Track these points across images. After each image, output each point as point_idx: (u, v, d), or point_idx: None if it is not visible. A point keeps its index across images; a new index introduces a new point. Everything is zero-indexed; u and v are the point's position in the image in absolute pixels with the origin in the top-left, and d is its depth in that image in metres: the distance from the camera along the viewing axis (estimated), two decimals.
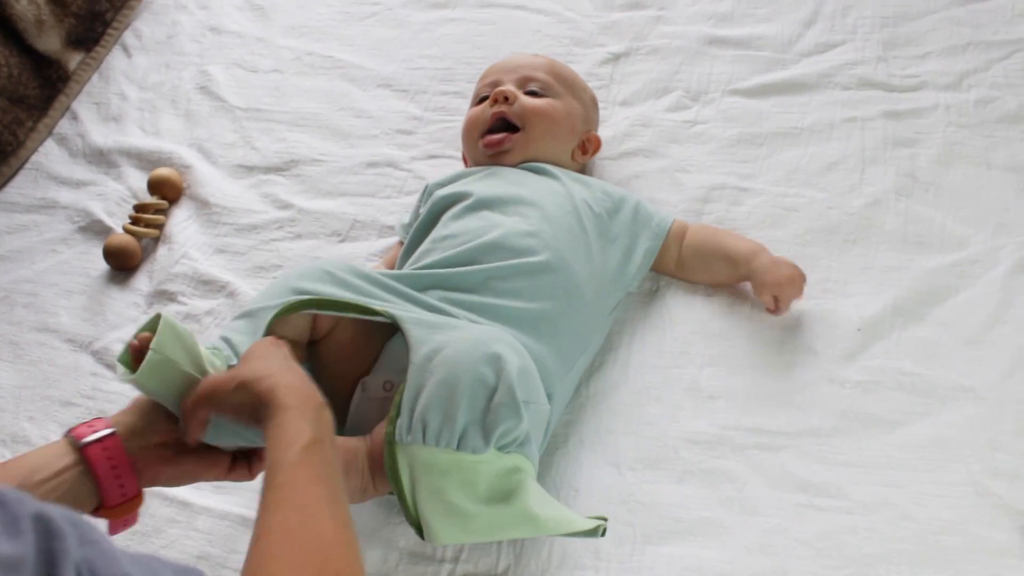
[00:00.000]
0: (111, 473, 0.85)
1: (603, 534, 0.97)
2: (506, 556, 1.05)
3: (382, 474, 0.96)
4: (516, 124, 1.29)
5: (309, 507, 0.71)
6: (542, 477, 1.11)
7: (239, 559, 1.10)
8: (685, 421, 1.13)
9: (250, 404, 0.82)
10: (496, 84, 1.33)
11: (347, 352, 1.09)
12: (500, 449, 0.95)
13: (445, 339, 0.96)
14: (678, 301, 1.25)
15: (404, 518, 1.08)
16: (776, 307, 1.16)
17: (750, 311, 1.22)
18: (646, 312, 1.25)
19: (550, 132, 1.30)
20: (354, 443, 0.99)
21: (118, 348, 1.35)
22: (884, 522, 1.02)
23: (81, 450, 0.84)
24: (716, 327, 1.21)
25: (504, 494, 0.94)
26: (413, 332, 0.97)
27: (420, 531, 0.93)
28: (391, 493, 0.97)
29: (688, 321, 1.23)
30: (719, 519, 1.05)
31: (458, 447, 0.92)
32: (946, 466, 1.05)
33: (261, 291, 1.14)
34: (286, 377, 0.83)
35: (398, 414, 0.93)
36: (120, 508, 0.88)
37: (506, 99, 1.29)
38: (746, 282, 1.22)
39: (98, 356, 1.37)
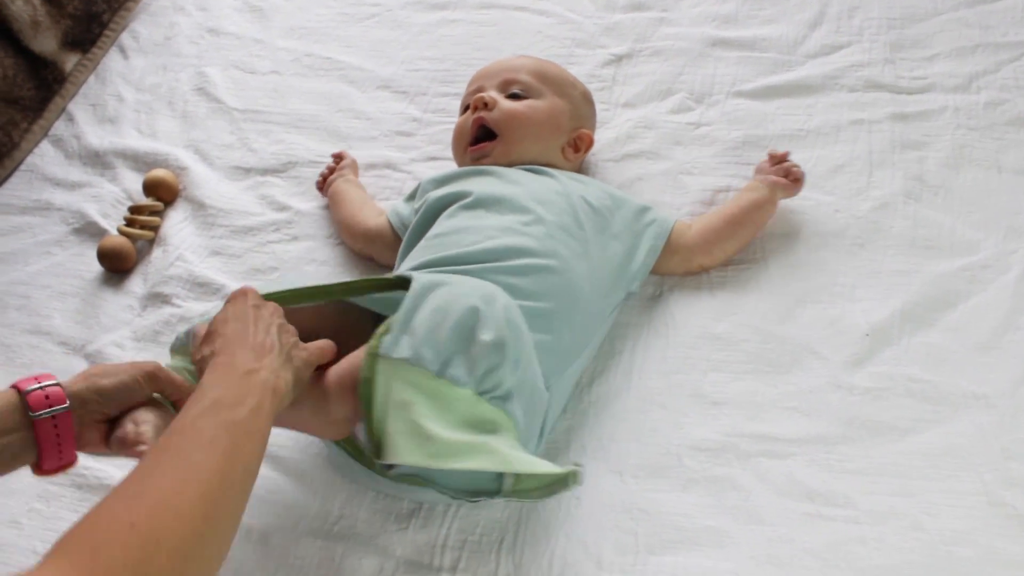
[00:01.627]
0: (55, 446, 0.87)
1: (573, 483, 0.90)
2: (505, 565, 1.02)
3: (337, 392, 0.96)
4: (494, 130, 1.29)
5: (160, 466, 0.72)
6: None
7: None
8: (689, 428, 1.11)
9: None
10: (479, 91, 1.33)
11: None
12: (481, 394, 0.94)
13: (446, 280, 0.99)
14: (681, 306, 1.23)
15: (399, 527, 1.07)
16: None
17: (753, 315, 1.19)
18: (649, 317, 1.23)
19: (530, 134, 1.29)
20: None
21: (111, 351, 1.34)
22: (893, 532, 0.99)
23: (33, 422, 0.85)
24: (720, 331, 1.18)
25: (475, 430, 0.92)
26: (415, 275, 0.99)
27: (377, 450, 0.90)
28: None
29: (692, 326, 1.20)
30: (724, 528, 1.02)
31: (440, 372, 0.91)
32: (958, 475, 1.02)
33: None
34: (220, 353, 0.88)
35: (387, 331, 0.93)
36: (53, 472, 0.90)
37: (485, 105, 1.29)
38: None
39: (91, 359, 1.35)
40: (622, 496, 1.06)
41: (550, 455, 1.10)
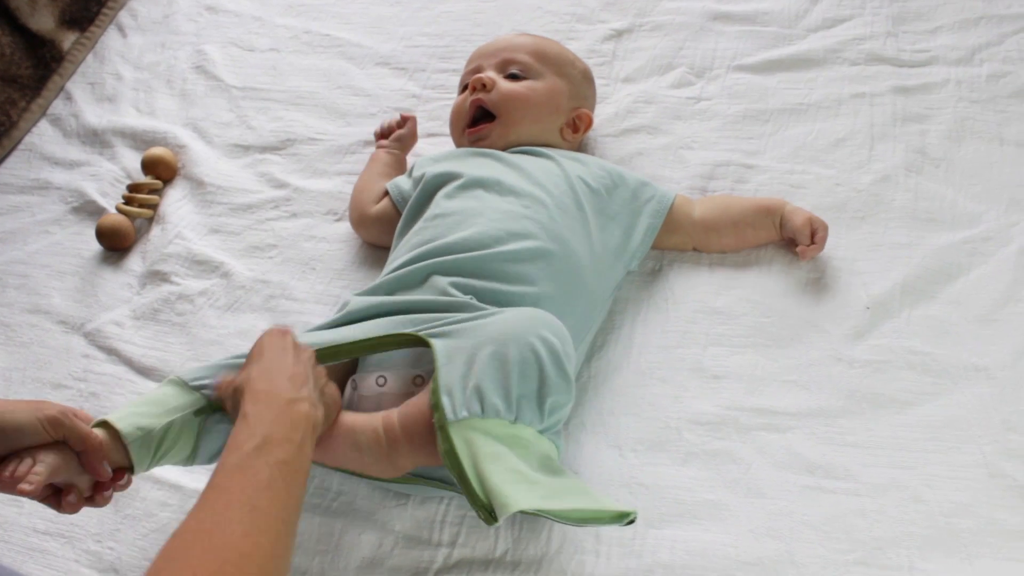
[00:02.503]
0: None
1: (632, 522, 0.91)
2: (504, 540, 1.02)
3: (406, 447, 0.94)
4: (493, 112, 1.28)
5: (229, 513, 0.71)
6: None
7: None
8: (689, 402, 1.10)
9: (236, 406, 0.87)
10: (477, 71, 1.32)
11: None
12: (543, 432, 0.95)
13: (474, 326, 0.97)
14: (681, 280, 1.22)
15: (398, 502, 1.07)
16: (813, 241, 1.16)
17: (754, 289, 1.19)
18: (649, 291, 1.22)
19: (529, 116, 1.28)
20: (370, 421, 0.97)
21: (110, 329, 1.34)
22: (894, 504, 0.99)
23: None
24: (720, 305, 1.18)
25: (551, 471, 0.93)
26: (434, 342, 0.97)
27: (487, 512, 0.86)
28: (413, 480, 1.00)
29: (691, 300, 1.20)
30: (724, 502, 1.02)
31: (515, 420, 0.91)
32: (958, 447, 1.02)
33: None
34: (259, 379, 0.87)
35: (438, 395, 0.91)
36: None
37: (484, 86, 1.28)
38: (764, 244, 1.23)
39: (90, 338, 1.35)
40: (621, 470, 1.06)
41: None
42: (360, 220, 1.33)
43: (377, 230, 1.31)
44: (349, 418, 0.97)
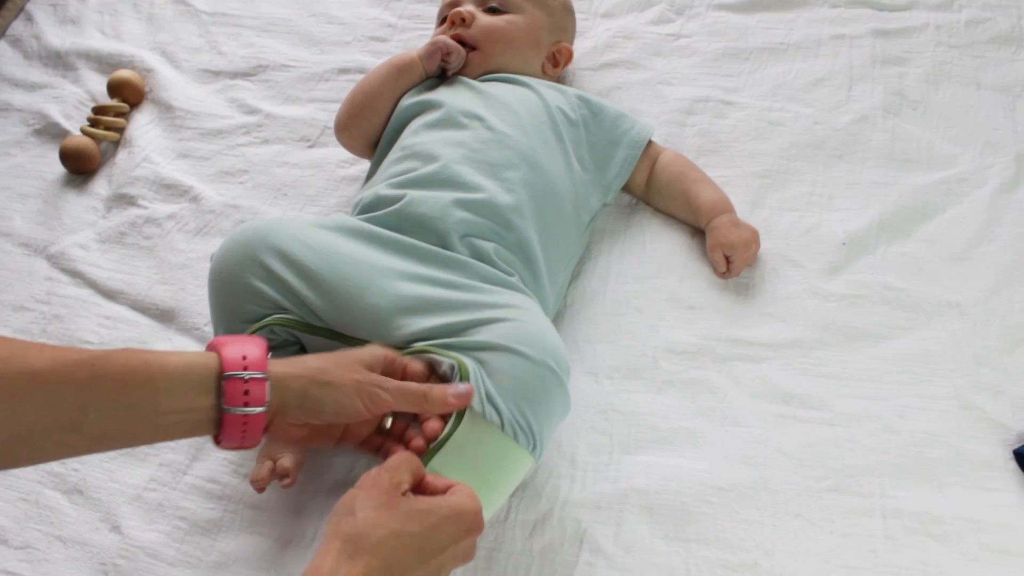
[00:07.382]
0: (239, 437, 0.78)
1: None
2: None
3: None
4: (473, 45, 1.24)
5: None
6: None
7: None
8: (665, 331, 1.10)
9: None
10: (455, 3, 1.28)
11: None
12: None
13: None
14: (660, 215, 1.22)
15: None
16: (727, 268, 1.13)
17: None
18: (626, 223, 1.22)
19: (509, 49, 1.25)
20: None
21: (75, 252, 1.31)
22: (866, 434, 1.00)
23: (223, 414, 0.76)
24: (698, 240, 1.18)
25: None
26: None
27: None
28: None
29: (669, 234, 1.20)
30: (699, 429, 1.02)
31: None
32: (930, 380, 1.03)
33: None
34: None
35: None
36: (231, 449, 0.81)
37: (463, 20, 1.25)
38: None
39: (54, 260, 1.31)
40: (597, 397, 1.06)
41: None
42: (352, 124, 1.25)
43: (361, 143, 1.26)
44: None
